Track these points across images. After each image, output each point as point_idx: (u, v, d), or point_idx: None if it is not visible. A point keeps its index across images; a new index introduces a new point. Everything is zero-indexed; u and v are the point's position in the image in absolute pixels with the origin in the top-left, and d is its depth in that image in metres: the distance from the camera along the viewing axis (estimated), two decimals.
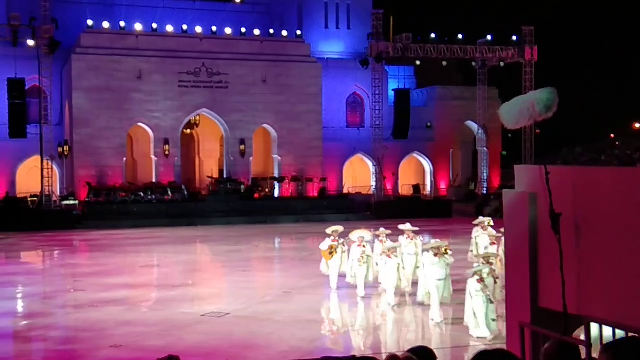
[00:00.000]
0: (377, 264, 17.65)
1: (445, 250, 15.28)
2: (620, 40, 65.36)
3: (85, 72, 41.98)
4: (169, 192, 40.85)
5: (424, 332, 14.70)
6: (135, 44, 43.17)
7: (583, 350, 5.31)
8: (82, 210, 38.78)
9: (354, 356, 6.02)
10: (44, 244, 31.25)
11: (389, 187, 48.12)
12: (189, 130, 47.89)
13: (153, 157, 44.02)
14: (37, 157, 39.43)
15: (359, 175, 52.24)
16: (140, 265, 24.41)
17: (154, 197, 40.24)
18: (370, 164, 49.46)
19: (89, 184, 40.52)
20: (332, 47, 52.85)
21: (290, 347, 12.69)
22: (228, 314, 15.64)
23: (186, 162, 47.23)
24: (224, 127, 45.49)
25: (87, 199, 39.71)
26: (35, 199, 39.48)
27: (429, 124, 53.23)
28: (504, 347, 7.23)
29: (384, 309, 16.27)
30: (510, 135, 51.59)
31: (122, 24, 43.73)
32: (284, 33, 47.36)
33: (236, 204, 40.48)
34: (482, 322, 13.08)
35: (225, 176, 44.96)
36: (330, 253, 18.06)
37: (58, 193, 41.80)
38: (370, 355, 4.01)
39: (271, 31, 47.12)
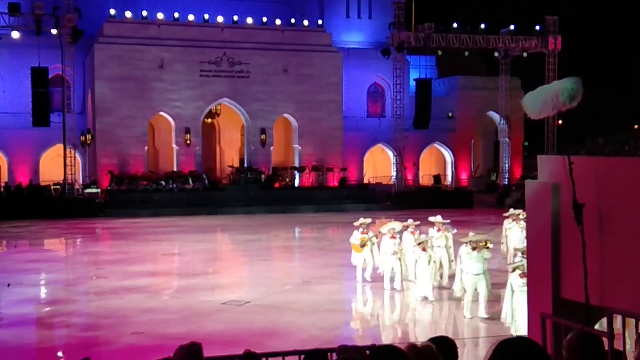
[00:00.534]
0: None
1: (486, 244, 14.67)
2: None
3: (107, 61, 42.21)
4: (190, 181, 41.02)
5: (451, 325, 14.61)
6: (157, 33, 43.31)
7: (605, 341, 5.27)
8: (104, 199, 39.06)
9: (373, 345, 6.03)
10: (66, 231, 31.54)
11: (409, 177, 48.00)
12: (210, 120, 48.04)
13: (174, 146, 44.23)
14: (60, 146, 39.76)
15: (380, 165, 52.16)
16: (162, 254, 24.56)
17: (175, 185, 40.43)
18: (390, 154, 49.35)
19: (111, 173, 40.81)
20: (353, 36, 52.68)
21: (309, 335, 12.73)
22: (248, 302, 15.71)
23: (207, 151, 47.39)
24: (244, 117, 45.57)
25: (109, 187, 39.98)
26: (58, 187, 39.84)
27: (450, 114, 52.97)
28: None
29: (412, 303, 15.95)
30: (532, 126, 51.15)
31: (144, 13, 43.88)
32: (305, 22, 47.27)
33: (256, 193, 40.57)
34: (524, 319, 12.87)
35: (245, 165, 45.09)
36: (362, 246, 17.70)
37: (80, 181, 42.17)
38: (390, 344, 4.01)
39: (292, 21, 47.05)
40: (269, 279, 19.05)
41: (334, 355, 5.66)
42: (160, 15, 43.87)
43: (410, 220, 18.20)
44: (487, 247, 14.77)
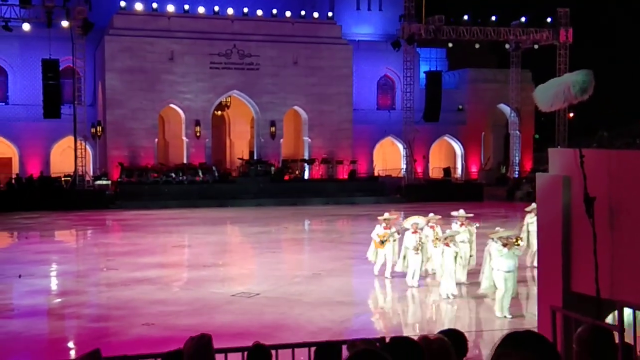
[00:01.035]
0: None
1: (517, 240, 14.26)
2: None
3: (118, 53, 42.29)
4: (200, 173, 41.10)
5: (467, 319, 14.59)
6: (167, 25, 43.34)
7: (616, 335, 5.25)
8: (115, 190, 39.19)
9: (383, 338, 6.03)
10: (77, 223, 31.68)
11: (419, 170, 47.92)
12: (219, 112, 48.08)
13: (184, 138, 44.31)
14: (71, 138, 39.91)
15: (389, 157, 52.08)
16: (172, 245, 24.64)
17: (185, 178, 40.52)
18: (400, 146, 49.26)
19: (122, 165, 40.93)
20: (364, 28, 52.54)
21: (319, 328, 12.75)
22: (258, 294, 15.74)
23: (217, 144, 47.46)
24: (254, 109, 45.58)
25: (119, 179, 40.11)
26: (68, 178, 40.01)
27: (460, 107, 52.81)
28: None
29: (427, 297, 15.80)
30: (543, 119, 50.96)
31: (155, 5, 43.90)
32: (315, 15, 47.19)
33: (266, 186, 40.61)
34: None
35: (255, 158, 45.12)
36: (383, 242, 17.31)
37: (91, 173, 42.33)
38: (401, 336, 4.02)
39: (302, 13, 46.96)
40: (279, 271, 19.07)
41: (344, 349, 5.67)
42: (170, 8, 43.92)
43: (431, 214, 17.75)
44: (518, 244, 14.46)
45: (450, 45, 46.20)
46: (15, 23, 37.90)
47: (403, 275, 16.95)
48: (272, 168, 42.77)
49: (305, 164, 45.45)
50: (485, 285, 14.81)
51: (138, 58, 42.47)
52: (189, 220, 32.08)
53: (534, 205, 19.15)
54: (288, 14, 46.00)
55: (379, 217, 18.08)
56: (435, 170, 51.12)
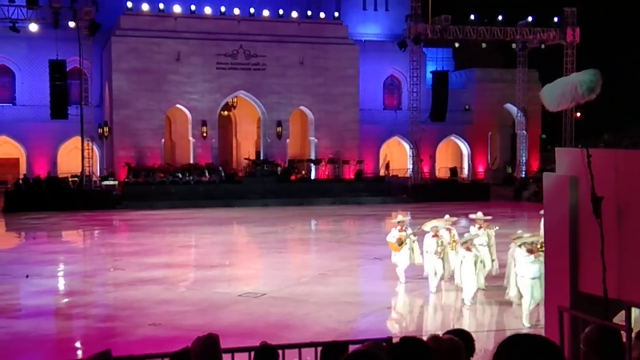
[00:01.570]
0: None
1: (541, 246, 13.40)
2: None
3: (124, 54, 42.39)
4: (207, 174, 41.13)
5: (481, 322, 14.57)
6: (174, 26, 43.42)
7: (624, 335, 5.23)
8: (121, 191, 39.25)
9: (390, 338, 6.03)
10: (84, 223, 31.76)
11: (425, 170, 47.87)
12: (226, 112, 48.14)
13: (191, 138, 44.38)
14: (78, 138, 40.00)
15: (396, 157, 52.07)
16: (178, 246, 24.67)
17: (191, 178, 40.55)
18: (407, 146, 49.23)
19: (128, 165, 41.01)
20: (370, 28, 52.53)
21: (326, 328, 12.74)
22: (264, 294, 15.75)
23: (223, 144, 47.52)
24: (261, 109, 45.62)
25: (126, 180, 40.18)
26: (75, 179, 40.08)
27: (467, 107, 52.76)
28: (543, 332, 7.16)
29: (447, 302, 15.43)
30: (550, 119, 50.85)
31: (161, 6, 43.99)
32: (322, 15, 47.22)
33: (272, 186, 40.61)
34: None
35: (262, 158, 45.15)
36: (400, 245, 16.78)
37: (98, 173, 42.42)
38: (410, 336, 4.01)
39: (309, 13, 46.99)
40: (285, 271, 19.08)
41: (351, 349, 5.67)
42: (176, 8, 44.01)
43: (447, 216, 17.22)
44: (543, 250, 14.14)
45: (456, 45, 46.15)
46: (22, 24, 38.02)
47: (419, 278, 16.71)
48: (279, 168, 42.78)
49: (312, 164, 45.46)
50: (514, 292, 14.18)
51: (145, 58, 42.56)
52: (196, 220, 32.12)
53: None
54: (294, 14, 46.03)
55: (392, 221, 17.65)
56: (441, 170, 51.07)
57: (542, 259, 13.06)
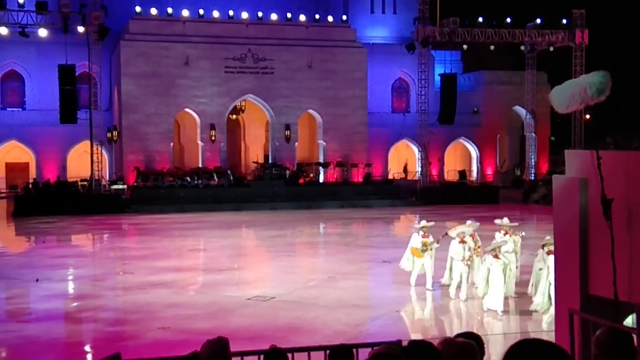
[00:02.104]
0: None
1: None
2: None
3: (133, 58, 42.54)
4: (215, 177, 41.20)
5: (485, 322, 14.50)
6: (182, 30, 43.56)
7: (635, 337, 5.20)
8: (131, 195, 39.37)
9: (399, 341, 6.01)
10: (93, 227, 31.84)
11: (434, 172, 47.82)
12: (234, 116, 48.23)
13: (199, 142, 44.48)
14: (87, 142, 40.14)
15: (405, 160, 52.03)
16: (187, 249, 24.70)
17: (200, 182, 40.64)
18: (415, 149, 49.18)
19: (137, 169, 41.14)
20: (378, 32, 52.55)
21: (334, 331, 12.72)
22: (273, 298, 15.74)
23: (232, 148, 47.59)
24: (269, 113, 45.68)
25: (135, 184, 40.30)
26: (85, 183, 40.24)
27: (475, 109, 52.68)
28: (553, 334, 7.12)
29: (470, 311, 14.92)
30: (559, 121, 50.70)
31: (170, 10, 44.16)
32: (330, 18, 47.26)
33: (281, 189, 40.64)
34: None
35: (270, 161, 45.21)
36: (424, 250, 16.41)
37: (107, 177, 42.57)
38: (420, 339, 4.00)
39: (317, 16, 47.05)
40: (294, 275, 19.07)
41: (359, 352, 5.66)
42: (185, 12, 44.15)
43: (469, 222, 16.69)
44: None
45: (465, 47, 46.11)
46: (31, 29, 38.19)
47: (435, 283, 16.46)
48: (287, 171, 42.82)
49: (320, 167, 45.46)
50: (539, 300, 13.68)
51: (153, 63, 42.70)
52: (205, 224, 32.15)
53: None
54: (302, 17, 46.09)
55: (415, 226, 17.39)
56: (450, 172, 51.01)
57: None
